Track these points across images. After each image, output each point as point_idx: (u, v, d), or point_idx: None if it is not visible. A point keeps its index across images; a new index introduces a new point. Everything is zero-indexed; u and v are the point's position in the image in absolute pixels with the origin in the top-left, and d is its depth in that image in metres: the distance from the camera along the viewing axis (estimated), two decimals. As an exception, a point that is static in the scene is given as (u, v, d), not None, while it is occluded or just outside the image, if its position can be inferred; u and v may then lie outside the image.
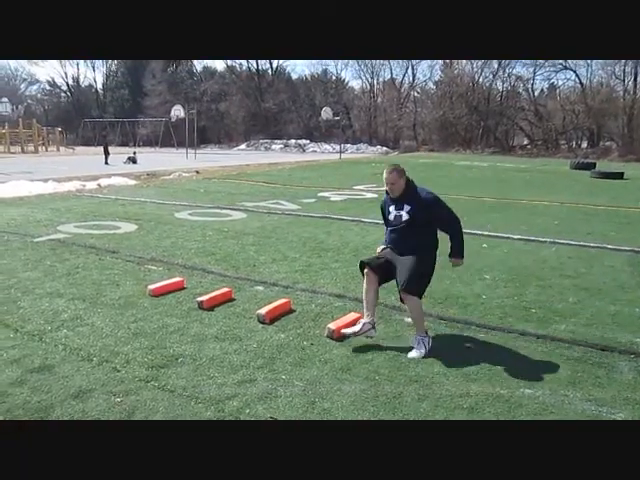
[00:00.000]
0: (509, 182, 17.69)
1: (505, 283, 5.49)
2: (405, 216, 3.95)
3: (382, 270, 3.96)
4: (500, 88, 47.03)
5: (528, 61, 44.18)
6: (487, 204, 11.72)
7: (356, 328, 3.90)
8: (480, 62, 46.15)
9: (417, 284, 3.84)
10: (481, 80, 47.10)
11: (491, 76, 46.55)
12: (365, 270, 4.01)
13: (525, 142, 46.64)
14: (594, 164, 23.99)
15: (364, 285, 4.02)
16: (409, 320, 4.18)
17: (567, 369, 3.56)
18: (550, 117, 43.86)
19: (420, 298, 3.88)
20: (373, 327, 3.91)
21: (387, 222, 4.19)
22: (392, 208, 4.06)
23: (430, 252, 4.01)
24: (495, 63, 45.23)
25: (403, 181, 3.97)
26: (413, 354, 3.71)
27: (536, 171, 23.25)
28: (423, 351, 3.73)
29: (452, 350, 3.84)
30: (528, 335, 4.12)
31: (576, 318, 4.50)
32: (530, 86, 46.05)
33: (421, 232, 3.94)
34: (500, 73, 45.85)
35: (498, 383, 3.35)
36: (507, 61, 44.50)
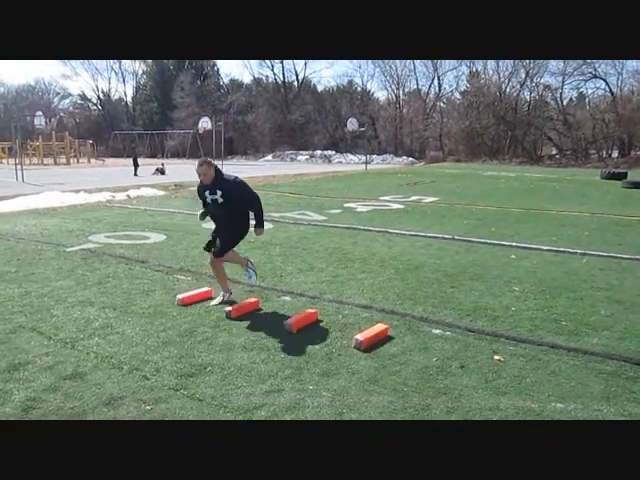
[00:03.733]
0: (537, 192, 17.45)
1: (535, 295, 5.40)
2: (220, 199, 4.82)
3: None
4: (528, 98, 46.61)
5: (556, 70, 43.83)
6: (515, 215, 11.57)
7: (216, 300, 5.03)
8: (507, 72, 45.91)
9: (224, 250, 4.94)
10: (508, 90, 46.74)
11: (518, 86, 46.19)
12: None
13: (554, 152, 46.03)
14: (625, 174, 23.50)
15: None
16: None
17: (600, 383, 3.48)
18: (579, 126, 43.22)
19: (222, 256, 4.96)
20: (230, 293, 5.09)
21: (205, 204, 5.06)
22: (207, 193, 4.89)
23: (238, 224, 4.98)
24: (523, 72, 44.91)
25: (212, 171, 4.82)
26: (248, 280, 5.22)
27: (565, 181, 22.90)
28: (253, 274, 5.18)
29: (481, 363, 3.79)
30: (559, 348, 4.05)
31: (609, 331, 4.40)
32: (559, 95, 45.53)
33: (231, 210, 4.86)
34: (528, 82, 45.46)
35: (529, 397, 3.30)
36: (535, 70, 44.15)
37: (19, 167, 21.58)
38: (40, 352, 3.88)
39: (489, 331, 4.39)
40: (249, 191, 4.94)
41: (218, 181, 4.85)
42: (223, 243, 4.91)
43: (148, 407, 3.11)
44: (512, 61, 44.62)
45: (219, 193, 4.81)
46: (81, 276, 5.98)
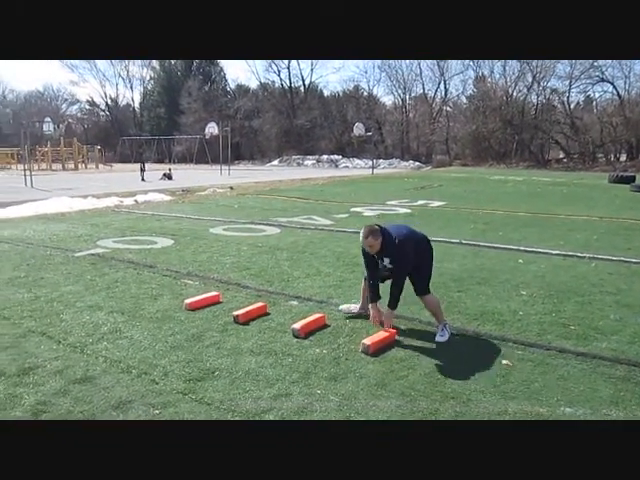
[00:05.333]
0: (545, 196, 17.40)
1: (542, 299, 5.38)
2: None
3: None
4: (535, 101, 46.40)
5: (563, 74, 43.67)
6: (522, 219, 11.53)
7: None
8: (514, 75, 45.80)
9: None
10: (515, 94, 46.61)
11: (525, 89, 46.02)
12: None
13: (561, 156, 45.82)
14: (634, 177, 23.33)
15: None
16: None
17: (609, 388, 3.46)
18: (587, 130, 43.00)
19: None
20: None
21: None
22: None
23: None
24: (529, 76, 44.77)
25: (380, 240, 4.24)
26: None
27: (573, 185, 22.80)
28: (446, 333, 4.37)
29: (489, 367, 3.78)
30: (567, 352, 4.03)
31: (618, 335, 4.38)
32: (566, 99, 45.29)
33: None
34: (535, 86, 45.32)
35: (537, 401, 3.29)
36: (542, 74, 44.02)
37: (28, 173, 21.74)
38: (50, 356, 3.91)
39: (497, 335, 4.38)
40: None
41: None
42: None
43: (157, 411, 3.12)
44: (519, 65, 44.59)
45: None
46: (90, 281, 6.02)
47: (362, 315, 4.76)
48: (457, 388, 3.45)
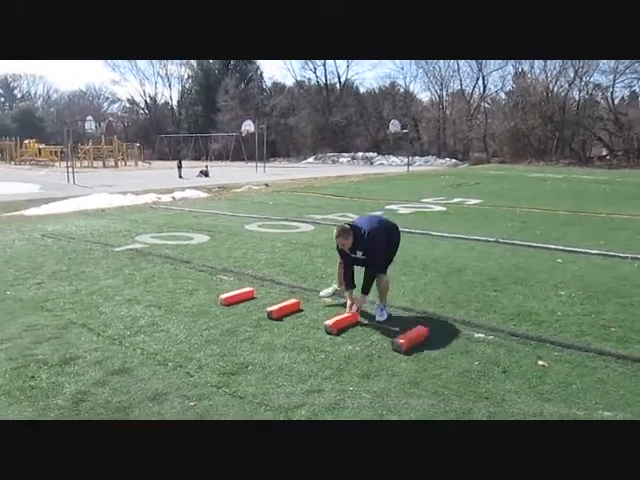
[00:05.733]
0: (586, 195, 16.94)
1: (582, 300, 5.25)
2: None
3: None
4: (577, 97, 45.19)
5: (607, 69, 42.36)
6: (562, 217, 11.26)
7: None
8: (555, 71, 44.69)
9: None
10: (556, 89, 45.48)
11: (567, 85, 44.86)
12: None
13: (604, 153, 44.48)
14: (681, 175, 22.52)
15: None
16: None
17: (651, 392, 3.36)
18: (631, 126, 41.57)
19: None
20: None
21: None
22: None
23: None
24: (571, 71, 43.61)
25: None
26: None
27: (616, 183, 22.13)
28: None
29: (525, 368, 3.72)
30: (607, 355, 3.92)
31: (661, 338, 4.24)
32: (609, 94, 43.94)
33: None
34: (577, 82, 44.11)
35: (574, 404, 3.21)
36: (584, 69, 42.81)
37: (70, 170, 22.39)
38: (89, 347, 4.03)
39: (533, 336, 4.30)
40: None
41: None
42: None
43: (191, 403, 3.18)
44: (560, 60, 43.45)
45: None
46: (128, 275, 6.16)
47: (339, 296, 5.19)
48: (491, 388, 3.41)
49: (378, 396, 3.30)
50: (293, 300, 5.03)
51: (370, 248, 4.64)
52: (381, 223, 4.98)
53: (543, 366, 3.74)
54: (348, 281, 4.89)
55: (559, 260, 6.97)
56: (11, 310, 4.91)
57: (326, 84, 57.81)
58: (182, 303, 5.13)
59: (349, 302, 4.74)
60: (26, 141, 46.74)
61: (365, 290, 4.72)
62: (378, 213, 6.35)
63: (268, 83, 63.02)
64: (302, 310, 4.92)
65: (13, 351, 3.94)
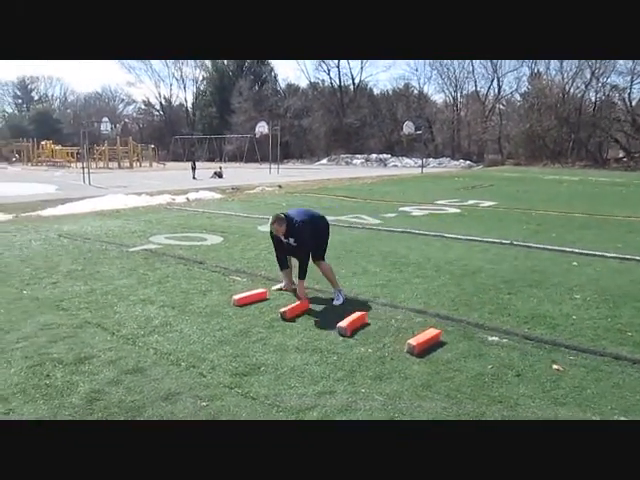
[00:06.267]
0: (603, 197, 16.75)
1: (597, 303, 5.19)
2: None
3: None
4: (593, 98, 44.78)
5: (624, 69, 41.90)
6: (578, 220, 11.15)
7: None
8: (571, 72, 44.29)
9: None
10: (572, 91, 45.06)
11: (583, 86, 44.45)
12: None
13: (621, 155, 43.99)
14: (700, 178, 22.19)
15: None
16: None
17: (668, 398, 3.31)
18: (649, 128, 41.12)
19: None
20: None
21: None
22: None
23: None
24: (588, 72, 43.20)
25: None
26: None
27: (633, 185, 21.86)
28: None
29: (539, 371, 3.68)
30: (623, 359, 3.87)
31: (678, 343, 4.18)
32: (627, 95, 43.46)
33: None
34: (593, 83, 43.68)
35: (589, 408, 3.17)
36: (601, 70, 42.39)
37: (86, 171, 22.62)
38: (104, 347, 4.06)
39: (548, 339, 4.25)
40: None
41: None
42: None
43: (204, 403, 3.20)
44: (577, 61, 43.04)
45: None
46: (142, 275, 6.21)
47: (290, 292, 5.51)
48: (505, 392, 3.38)
49: (390, 398, 3.28)
50: (303, 300, 5.06)
51: (300, 237, 5.16)
52: (310, 215, 5.46)
53: (558, 370, 3.71)
54: (282, 264, 5.56)
55: (574, 263, 6.89)
56: (27, 309, 4.97)
57: (340, 85, 57.87)
58: (195, 303, 5.16)
59: (285, 281, 5.56)
60: (43, 142, 47.35)
61: (301, 276, 5.21)
62: (310, 208, 6.50)
63: (282, 85, 63.31)
64: (310, 308, 5.00)
65: (29, 350, 3.99)
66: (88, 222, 10.54)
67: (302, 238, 5.17)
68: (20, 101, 74.05)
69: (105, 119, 29.86)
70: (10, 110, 74.18)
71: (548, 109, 44.19)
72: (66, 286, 5.75)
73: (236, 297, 5.17)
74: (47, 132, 54.87)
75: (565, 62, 44.59)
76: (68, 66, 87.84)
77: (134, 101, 73.20)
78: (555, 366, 3.76)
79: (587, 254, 7.47)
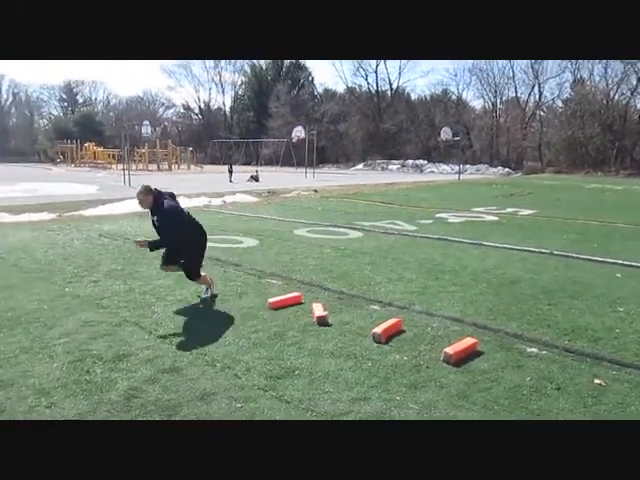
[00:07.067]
0: (647, 207, 16.22)
1: (642, 317, 5.02)
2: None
3: None
4: (639, 106, 43.52)
5: (672, 76, 40.56)
6: (621, 230, 10.82)
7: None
8: (616, 78, 43.16)
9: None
10: (617, 97, 43.91)
11: (629, 93, 43.28)
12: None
13: (667, 164, 42.59)
14: None
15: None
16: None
17: None
18: (698, 136, 39.72)
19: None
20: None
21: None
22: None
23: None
24: (634, 79, 42.03)
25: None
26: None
27: (680, 196, 21.11)
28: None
29: (580, 386, 3.58)
30: (670, 376, 3.73)
31: None
32: (675, 103, 42.12)
33: None
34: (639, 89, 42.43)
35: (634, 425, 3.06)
36: (647, 77, 41.16)
37: (126, 172, 23.15)
38: (141, 345, 4.14)
39: (589, 353, 4.13)
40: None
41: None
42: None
43: (238, 405, 3.22)
44: (622, 67, 41.97)
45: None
46: (179, 276, 6.28)
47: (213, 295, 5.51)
48: (544, 405, 3.29)
49: (425, 407, 3.24)
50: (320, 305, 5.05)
51: (165, 218, 4.99)
52: (188, 215, 5.38)
53: (600, 385, 3.59)
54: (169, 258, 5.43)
55: (618, 275, 6.68)
56: (69, 306, 5.11)
57: (377, 90, 57.81)
58: (231, 305, 5.21)
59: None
60: (86, 144, 48.73)
61: (151, 244, 5.07)
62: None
63: (319, 89, 63.64)
64: (325, 312, 4.94)
65: (70, 346, 4.10)
66: (128, 222, 10.78)
67: (168, 223, 5.02)
68: (65, 104, 76.42)
69: (146, 122, 30.55)
70: (56, 113, 76.80)
71: (591, 116, 43.16)
72: (106, 285, 5.89)
73: (271, 300, 5.20)
74: (90, 134, 56.42)
75: (610, 68, 43.59)
76: (111, 70, 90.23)
77: (174, 105, 74.80)
78: (597, 380, 3.65)
79: (631, 266, 7.23)
